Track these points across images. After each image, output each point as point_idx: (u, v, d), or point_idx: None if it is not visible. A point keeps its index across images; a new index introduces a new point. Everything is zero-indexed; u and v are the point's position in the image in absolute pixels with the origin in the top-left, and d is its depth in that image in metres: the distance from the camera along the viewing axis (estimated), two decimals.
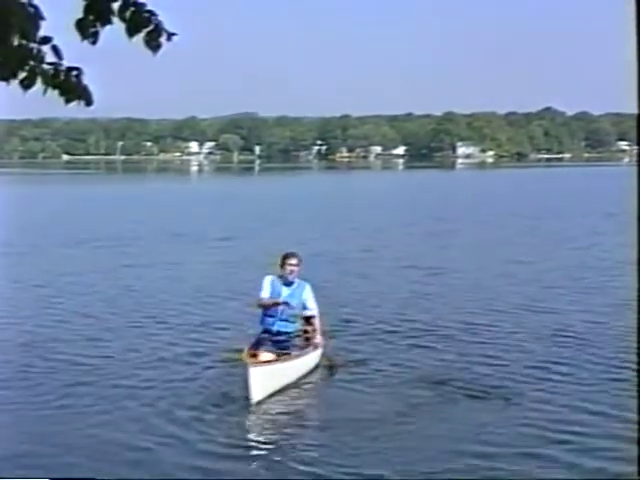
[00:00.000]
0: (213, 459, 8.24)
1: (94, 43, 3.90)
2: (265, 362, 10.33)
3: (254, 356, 10.65)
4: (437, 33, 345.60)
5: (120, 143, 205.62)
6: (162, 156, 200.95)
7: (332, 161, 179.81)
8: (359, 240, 25.94)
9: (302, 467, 7.97)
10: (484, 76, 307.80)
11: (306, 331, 11.27)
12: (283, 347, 11.01)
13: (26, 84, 3.86)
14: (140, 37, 3.88)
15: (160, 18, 3.89)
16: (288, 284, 11.10)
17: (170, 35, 3.93)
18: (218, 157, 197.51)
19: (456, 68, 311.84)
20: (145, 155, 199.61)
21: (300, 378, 10.67)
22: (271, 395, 9.96)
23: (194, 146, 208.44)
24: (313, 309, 11.28)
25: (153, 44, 3.89)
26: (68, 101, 3.97)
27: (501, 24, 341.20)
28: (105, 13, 3.85)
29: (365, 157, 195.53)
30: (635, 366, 10.20)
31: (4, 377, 10.97)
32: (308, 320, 11.30)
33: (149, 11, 3.87)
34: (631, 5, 3.23)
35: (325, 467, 7.95)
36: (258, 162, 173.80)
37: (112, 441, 8.63)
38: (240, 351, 11.00)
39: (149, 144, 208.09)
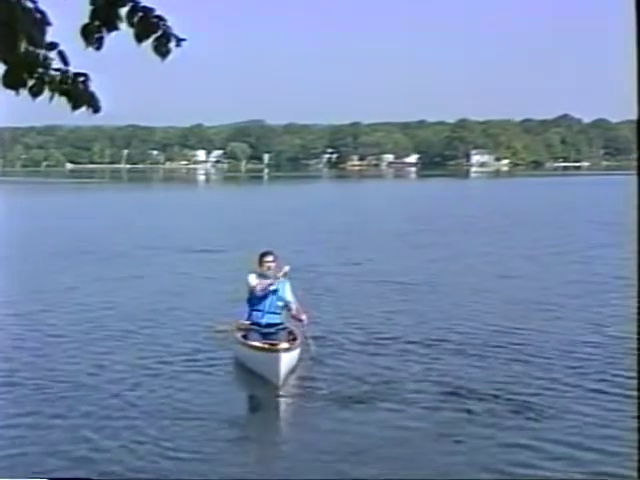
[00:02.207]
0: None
1: (98, 49, 3.90)
2: (286, 349, 11.42)
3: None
4: (451, 38, 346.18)
5: (125, 151, 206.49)
6: (168, 165, 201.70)
7: (343, 170, 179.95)
8: (352, 253, 25.76)
9: None
10: (499, 82, 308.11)
11: (292, 331, 12.41)
12: (271, 339, 12.03)
13: (35, 91, 3.85)
14: (148, 43, 3.86)
15: (169, 24, 3.87)
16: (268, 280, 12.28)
17: (179, 40, 3.92)
18: (226, 166, 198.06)
19: (470, 74, 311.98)
20: (151, 164, 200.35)
21: (295, 367, 11.62)
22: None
23: (201, 154, 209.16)
24: (292, 301, 12.48)
25: (162, 50, 3.88)
26: (75, 108, 3.96)
27: (516, 29, 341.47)
28: (112, 18, 3.85)
29: (377, 165, 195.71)
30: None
31: None
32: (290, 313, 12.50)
33: (158, 16, 3.87)
34: (631, 6, 3.24)
35: None
36: (267, 171, 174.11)
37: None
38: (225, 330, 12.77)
39: (155, 152, 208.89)
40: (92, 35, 3.88)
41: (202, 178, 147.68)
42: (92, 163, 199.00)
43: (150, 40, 3.86)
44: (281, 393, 10.92)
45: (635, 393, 9.44)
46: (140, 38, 3.84)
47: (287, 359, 11.23)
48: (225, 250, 26.71)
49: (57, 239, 31.71)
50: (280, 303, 12.38)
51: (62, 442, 9.13)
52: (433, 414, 9.90)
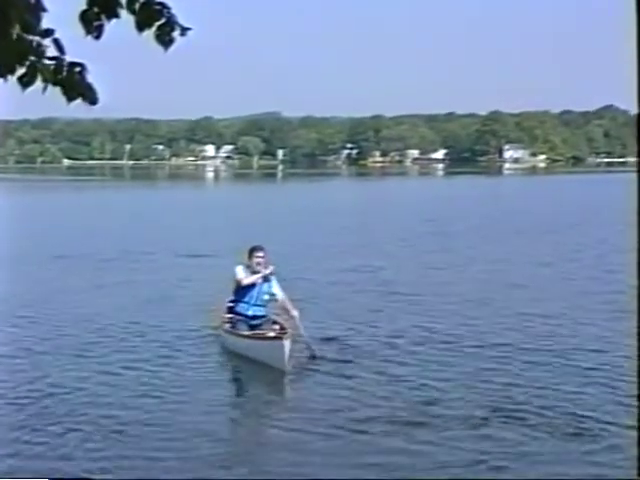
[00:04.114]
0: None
1: (98, 38, 3.94)
2: (287, 338, 12.64)
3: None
4: (482, 23, 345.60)
5: (128, 146, 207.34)
6: (174, 161, 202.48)
7: (363, 166, 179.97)
8: (360, 259, 25.48)
9: None
10: (535, 71, 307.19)
11: (275, 321, 13.73)
12: (258, 329, 13.48)
13: (25, 81, 3.86)
14: (151, 32, 3.89)
15: (173, 11, 3.90)
16: (257, 274, 13.67)
17: (184, 29, 3.94)
18: (236, 162, 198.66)
19: (503, 62, 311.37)
20: (155, 160, 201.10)
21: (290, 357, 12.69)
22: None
23: (210, 150, 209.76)
24: (280, 294, 13.74)
25: (165, 39, 3.91)
26: (70, 99, 3.99)
27: (554, 13, 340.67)
28: (111, 5, 3.88)
29: (400, 162, 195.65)
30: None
31: None
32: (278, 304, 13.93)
33: (160, 3, 3.90)
34: (631, 5, 3.29)
35: None
36: (281, 168, 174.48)
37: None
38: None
39: (160, 147, 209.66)
40: (91, 23, 3.91)
41: (211, 175, 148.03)
42: (92, 159, 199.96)
43: (152, 29, 3.89)
44: (289, 416, 10.92)
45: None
46: (142, 26, 3.87)
47: (288, 346, 12.50)
48: (227, 255, 26.56)
49: (49, 242, 31.75)
50: (266, 297, 13.75)
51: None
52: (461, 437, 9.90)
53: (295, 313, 13.52)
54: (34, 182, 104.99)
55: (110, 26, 3.96)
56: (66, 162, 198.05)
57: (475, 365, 12.99)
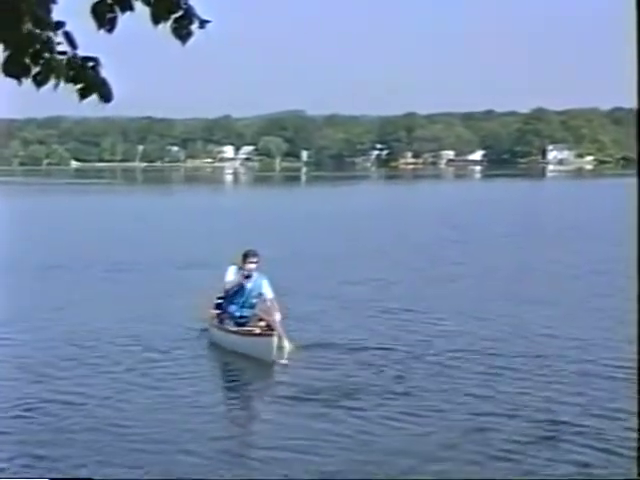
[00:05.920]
0: None
1: (111, 31, 3.97)
2: (271, 332, 14.55)
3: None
4: (524, 15, 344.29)
5: (140, 147, 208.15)
6: (190, 163, 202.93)
7: (394, 168, 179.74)
8: (367, 271, 25.37)
9: None
10: (582, 65, 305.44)
11: (262, 319, 15.47)
12: (246, 326, 15.27)
13: (40, 80, 3.89)
14: (167, 24, 3.92)
15: (190, 3, 3.93)
16: (248, 276, 15.46)
17: (202, 22, 3.96)
18: (257, 164, 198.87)
19: (546, 56, 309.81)
20: (170, 162, 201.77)
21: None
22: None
23: (228, 151, 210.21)
24: (270, 295, 15.42)
25: (182, 32, 3.92)
26: (83, 96, 4.02)
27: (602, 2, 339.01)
28: None
29: (434, 163, 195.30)
30: None
31: None
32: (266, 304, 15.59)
33: None
34: (631, 5, 3.36)
35: None
36: (305, 170, 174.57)
37: None
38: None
39: (175, 149, 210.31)
40: (104, 16, 3.94)
41: (229, 178, 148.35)
42: (101, 161, 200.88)
43: (169, 22, 3.93)
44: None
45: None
46: (157, 19, 3.91)
47: (276, 341, 14.33)
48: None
49: (46, 251, 31.61)
50: (255, 300, 15.59)
51: None
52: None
53: (277, 317, 15.08)
54: (39, 185, 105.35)
55: (122, 18, 3.99)
56: (74, 164, 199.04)
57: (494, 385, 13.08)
